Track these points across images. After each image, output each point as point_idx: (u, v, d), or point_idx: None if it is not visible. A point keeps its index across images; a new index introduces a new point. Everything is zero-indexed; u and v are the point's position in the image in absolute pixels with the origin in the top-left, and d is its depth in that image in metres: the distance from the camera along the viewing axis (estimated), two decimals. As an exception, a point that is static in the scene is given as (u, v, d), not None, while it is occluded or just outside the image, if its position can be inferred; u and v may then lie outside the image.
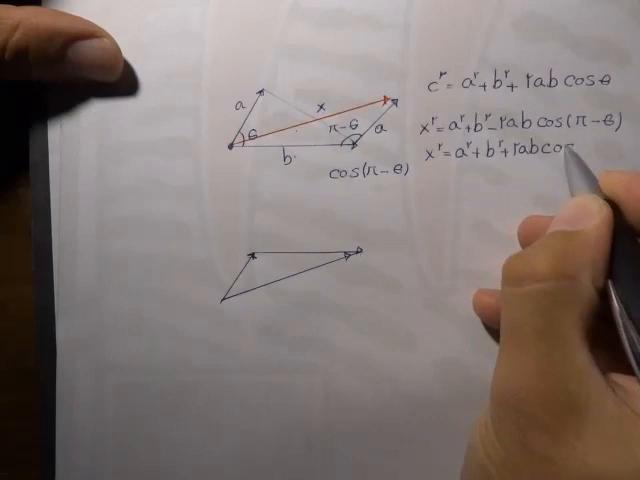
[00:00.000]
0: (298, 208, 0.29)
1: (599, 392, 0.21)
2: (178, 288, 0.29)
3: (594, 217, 0.23)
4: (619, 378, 0.22)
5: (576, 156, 0.25)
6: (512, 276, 0.23)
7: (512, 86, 0.29)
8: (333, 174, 0.29)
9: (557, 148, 0.29)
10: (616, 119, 0.28)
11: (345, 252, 0.29)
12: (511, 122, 0.29)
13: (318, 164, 0.29)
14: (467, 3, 0.28)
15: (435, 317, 0.28)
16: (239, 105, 0.29)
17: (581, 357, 0.21)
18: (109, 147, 0.29)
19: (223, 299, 0.29)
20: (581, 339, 0.21)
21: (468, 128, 0.29)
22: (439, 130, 0.29)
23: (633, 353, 0.21)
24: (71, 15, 0.27)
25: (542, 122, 0.29)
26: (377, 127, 0.29)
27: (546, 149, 0.29)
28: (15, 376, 0.29)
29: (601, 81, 0.28)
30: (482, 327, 0.28)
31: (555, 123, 0.29)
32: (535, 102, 0.29)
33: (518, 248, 0.28)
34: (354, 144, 0.29)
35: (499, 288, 0.24)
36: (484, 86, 0.29)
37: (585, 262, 0.22)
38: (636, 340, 0.21)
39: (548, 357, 0.21)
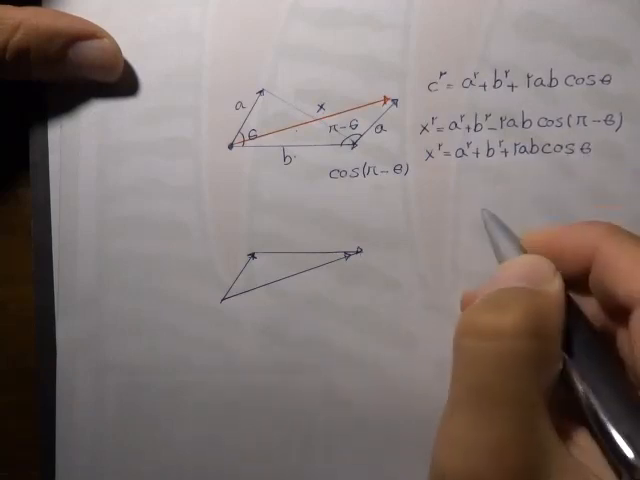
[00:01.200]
0: (298, 208, 0.29)
1: (561, 461, 0.19)
2: (178, 288, 0.29)
3: (554, 279, 0.22)
4: (569, 428, 0.21)
5: (495, 217, 0.26)
6: (481, 328, 0.20)
7: (512, 86, 0.29)
8: (333, 174, 0.29)
9: (557, 148, 0.29)
10: (617, 119, 0.28)
11: (345, 252, 0.29)
12: (511, 122, 0.29)
13: (318, 164, 0.29)
14: (467, 3, 0.28)
15: (435, 317, 0.28)
16: (239, 105, 0.29)
17: (546, 426, 0.20)
18: (109, 147, 0.29)
19: (223, 299, 0.29)
20: (545, 406, 0.20)
21: (468, 128, 0.29)
22: (439, 130, 0.29)
23: (594, 421, 0.20)
24: (71, 15, 0.28)
25: (542, 122, 0.29)
26: (377, 127, 0.29)
27: (546, 149, 0.29)
28: (15, 376, 0.29)
29: (602, 81, 0.28)
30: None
31: (555, 123, 0.29)
32: (535, 102, 0.29)
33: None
34: (354, 144, 0.29)
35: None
36: (484, 86, 0.29)
37: (556, 324, 0.21)
38: (599, 409, 0.20)
39: (515, 427, 0.19)
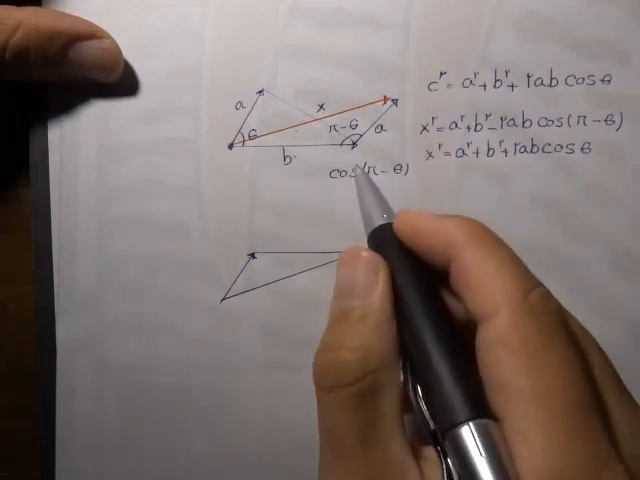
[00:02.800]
0: (298, 208, 0.29)
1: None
2: (178, 288, 0.29)
3: (376, 284, 0.22)
4: (420, 442, 0.21)
5: (368, 178, 0.26)
6: (323, 381, 0.21)
7: (512, 86, 0.29)
8: (333, 174, 0.29)
9: (557, 148, 0.29)
10: (617, 119, 0.28)
11: (345, 252, 0.28)
12: (511, 122, 0.29)
13: (318, 164, 0.29)
14: (467, 3, 0.28)
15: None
16: (239, 105, 0.29)
17: (399, 451, 0.20)
18: (109, 147, 0.29)
19: (223, 299, 0.29)
20: (398, 426, 0.20)
21: (468, 128, 0.29)
22: (439, 130, 0.29)
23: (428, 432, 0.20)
24: (71, 16, 0.28)
25: (542, 122, 0.29)
26: (377, 127, 0.29)
27: (547, 149, 0.29)
28: (15, 376, 0.29)
29: (602, 81, 0.28)
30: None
31: (556, 123, 0.29)
32: (535, 102, 0.28)
33: (518, 248, 0.28)
34: (354, 144, 0.29)
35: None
36: (484, 86, 0.29)
37: (386, 343, 0.21)
38: (427, 416, 0.20)
39: (368, 465, 0.20)
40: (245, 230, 0.29)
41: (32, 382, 0.29)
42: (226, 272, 0.29)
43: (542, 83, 0.28)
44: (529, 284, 0.20)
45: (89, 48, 0.27)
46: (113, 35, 0.28)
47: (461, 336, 0.21)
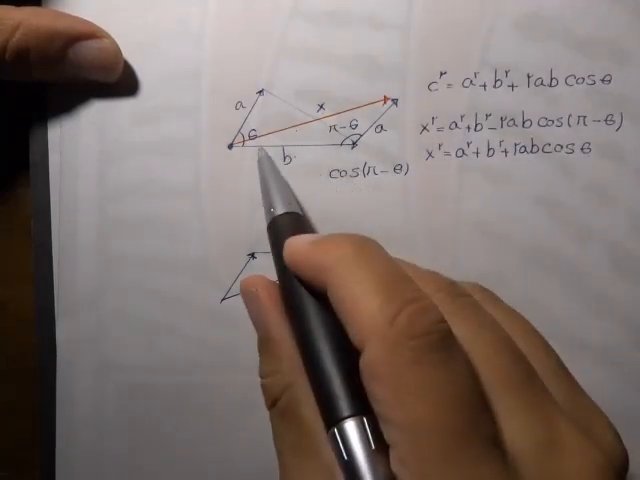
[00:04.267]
0: (298, 208, 0.29)
1: None
2: (178, 288, 0.29)
3: (263, 313, 0.24)
4: None
5: (270, 161, 0.26)
6: (265, 404, 0.23)
7: (512, 86, 0.29)
8: (333, 174, 0.29)
9: (557, 148, 0.28)
10: (617, 119, 0.28)
11: (345, 252, 0.28)
12: (511, 122, 0.29)
13: (318, 164, 0.29)
14: (467, 3, 0.28)
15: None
16: (239, 105, 0.29)
17: (327, 457, 0.20)
18: (109, 147, 0.29)
19: (223, 299, 0.29)
20: (324, 435, 0.20)
21: (468, 128, 0.29)
22: (439, 130, 0.29)
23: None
24: (71, 16, 0.27)
25: (543, 122, 0.29)
26: (377, 127, 0.29)
27: (547, 149, 0.28)
28: (15, 376, 0.29)
29: (602, 81, 0.28)
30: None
31: (556, 123, 0.29)
32: (536, 102, 0.28)
33: (518, 248, 0.28)
34: (354, 144, 0.29)
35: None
36: (484, 86, 0.29)
37: (288, 362, 0.22)
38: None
39: (302, 474, 0.21)
40: (245, 230, 0.29)
41: (32, 382, 0.29)
42: (226, 272, 0.29)
43: (542, 83, 0.28)
44: (396, 305, 0.18)
45: (89, 48, 0.27)
46: (113, 35, 0.28)
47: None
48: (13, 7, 0.26)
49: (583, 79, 0.28)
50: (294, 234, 0.23)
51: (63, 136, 0.29)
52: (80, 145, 0.29)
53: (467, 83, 0.29)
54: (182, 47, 0.29)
